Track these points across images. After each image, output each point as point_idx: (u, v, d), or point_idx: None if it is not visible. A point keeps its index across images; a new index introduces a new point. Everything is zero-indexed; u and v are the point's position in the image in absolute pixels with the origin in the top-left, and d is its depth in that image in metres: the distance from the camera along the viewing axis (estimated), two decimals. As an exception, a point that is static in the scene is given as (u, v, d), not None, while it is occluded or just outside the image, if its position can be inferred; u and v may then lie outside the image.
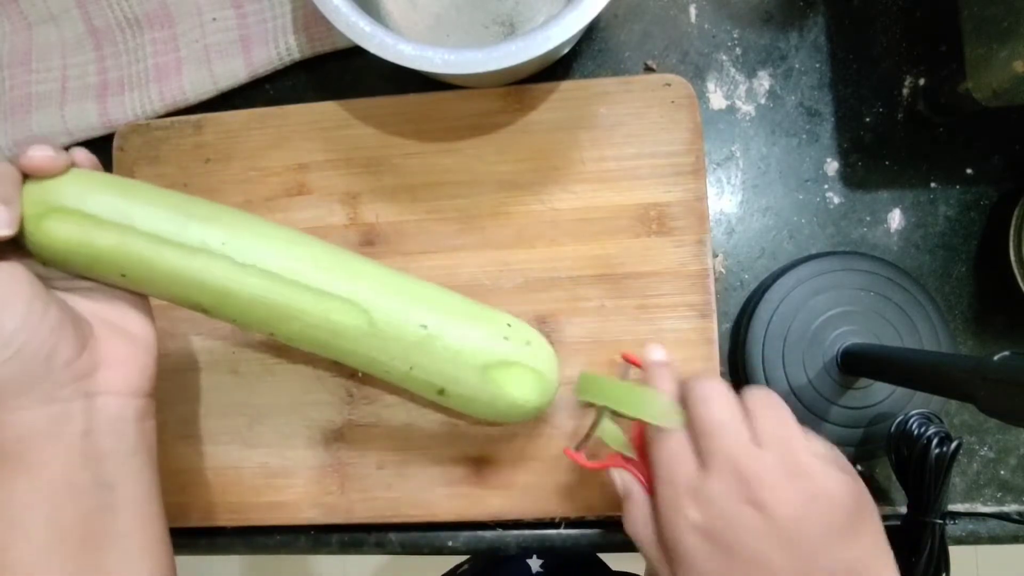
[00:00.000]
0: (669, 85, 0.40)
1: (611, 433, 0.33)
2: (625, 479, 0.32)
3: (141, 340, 0.32)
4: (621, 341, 0.40)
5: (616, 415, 0.33)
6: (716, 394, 0.29)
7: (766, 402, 0.29)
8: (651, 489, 0.30)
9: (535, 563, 0.57)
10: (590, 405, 0.35)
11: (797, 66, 0.43)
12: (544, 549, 0.42)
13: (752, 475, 0.26)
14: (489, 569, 0.59)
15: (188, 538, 0.43)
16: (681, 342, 0.39)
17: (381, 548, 0.42)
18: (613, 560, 0.61)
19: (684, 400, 0.30)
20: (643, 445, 0.32)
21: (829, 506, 0.26)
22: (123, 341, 0.31)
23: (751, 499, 0.26)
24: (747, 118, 0.43)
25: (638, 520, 0.30)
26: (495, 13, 0.43)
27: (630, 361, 0.36)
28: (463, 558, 0.64)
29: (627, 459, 0.33)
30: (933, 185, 0.42)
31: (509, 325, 0.35)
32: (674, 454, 0.29)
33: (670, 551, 0.28)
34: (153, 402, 0.32)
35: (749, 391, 0.30)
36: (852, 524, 0.27)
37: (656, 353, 0.34)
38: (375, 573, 1.26)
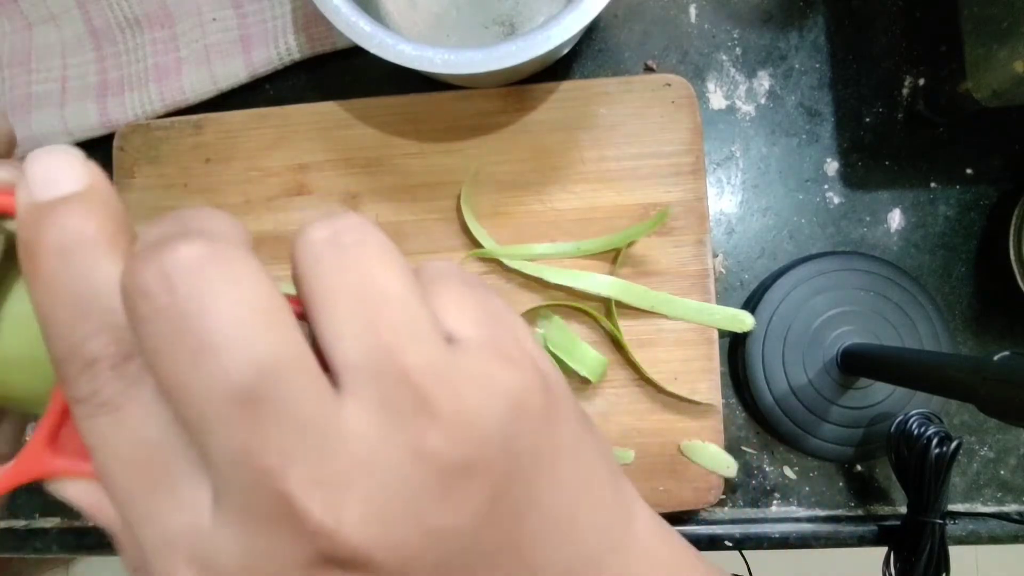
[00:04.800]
0: (669, 85, 0.40)
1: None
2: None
3: None
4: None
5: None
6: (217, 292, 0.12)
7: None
8: None
9: None
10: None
11: (797, 66, 0.43)
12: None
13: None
14: None
15: (188, 538, 0.43)
16: (681, 342, 0.39)
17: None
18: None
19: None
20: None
21: (481, 479, 0.13)
22: None
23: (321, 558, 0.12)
24: (747, 118, 0.43)
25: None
26: (495, 13, 0.43)
27: None
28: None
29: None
30: (933, 185, 0.42)
31: None
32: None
33: None
34: None
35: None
36: (516, 488, 0.13)
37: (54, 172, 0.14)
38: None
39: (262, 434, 0.11)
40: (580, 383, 0.40)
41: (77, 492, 0.14)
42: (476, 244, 0.40)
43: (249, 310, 0.11)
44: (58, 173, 0.13)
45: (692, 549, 0.17)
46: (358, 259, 0.13)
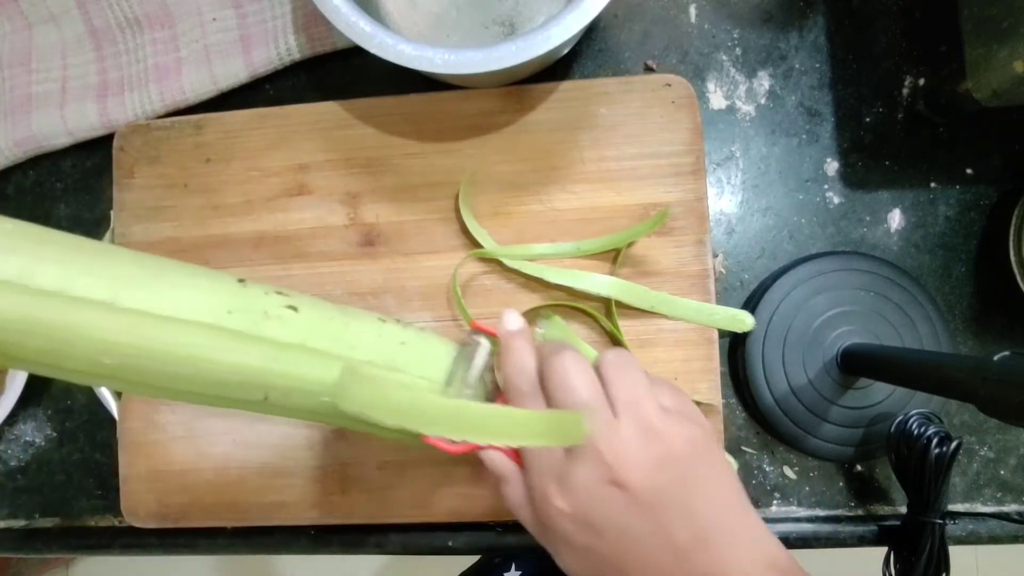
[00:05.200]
0: (669, 85, 0.40)
1: None
2: (496, 460, 0.30)
3: None
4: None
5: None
6: (575, 370, 0.28)
7: (619, 364, 0.29)
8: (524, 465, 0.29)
9: (513, 574, 0.57)
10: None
11: (797, 66, 0.43)
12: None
13: (613, 455, 0.26)
14: None
15: (188, 538, 0.44)
16: (681, 342, 0.39)
17: (381, 548, 0.42)
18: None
19: (541, 376, 0.29)
20: None
21: (675, 463, 0.27)
22: None
23: (613, 480, 0.26)
24: (747, 118, 0.43)
25: (518, 501, 0.30)
26: (495, 13, 0.43)
27: (482, 330, 0.32)
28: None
29: None
30: (933, 185, 0.42)
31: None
32: None
33: (547, 531, 0.29)
34: None
35: (603, 355, 0.29)
36: (693, 473, 0.27)
37: (512, 322, 0.32)
38: (376, 573, 1.26)
39: (590, 426, 0.27)
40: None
41: (494, 454, 0.30)
42: (476, 244, 0.40)
43: (584, 380, 0.28)
44: (513, 318, 0.32)
45: (788, 553, 0.28)
46: (626, 369, 0.29)
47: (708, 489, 0.27)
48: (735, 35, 0.43)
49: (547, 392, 0.28)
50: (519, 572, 0.57)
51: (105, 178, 0.45)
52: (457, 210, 0.41)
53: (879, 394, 0.39)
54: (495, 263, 0.41)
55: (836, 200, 0.43)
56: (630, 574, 0.27)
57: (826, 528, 0.41)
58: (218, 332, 0.26)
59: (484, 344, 0.31)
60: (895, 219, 0.42)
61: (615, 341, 0.40)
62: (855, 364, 0.38)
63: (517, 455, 0.30)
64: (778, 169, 0.43)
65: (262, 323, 0.27)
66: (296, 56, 0.43)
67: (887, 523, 0.41)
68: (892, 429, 0.37)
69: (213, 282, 0.27)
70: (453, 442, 0.28)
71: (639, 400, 0.28)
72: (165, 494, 0.41)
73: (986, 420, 0.42)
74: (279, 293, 0.29)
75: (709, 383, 0.39)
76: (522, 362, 0.30)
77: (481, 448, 0.29)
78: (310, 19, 0.43)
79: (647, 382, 0.28)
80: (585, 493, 0.27)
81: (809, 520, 0.41)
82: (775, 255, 0.43)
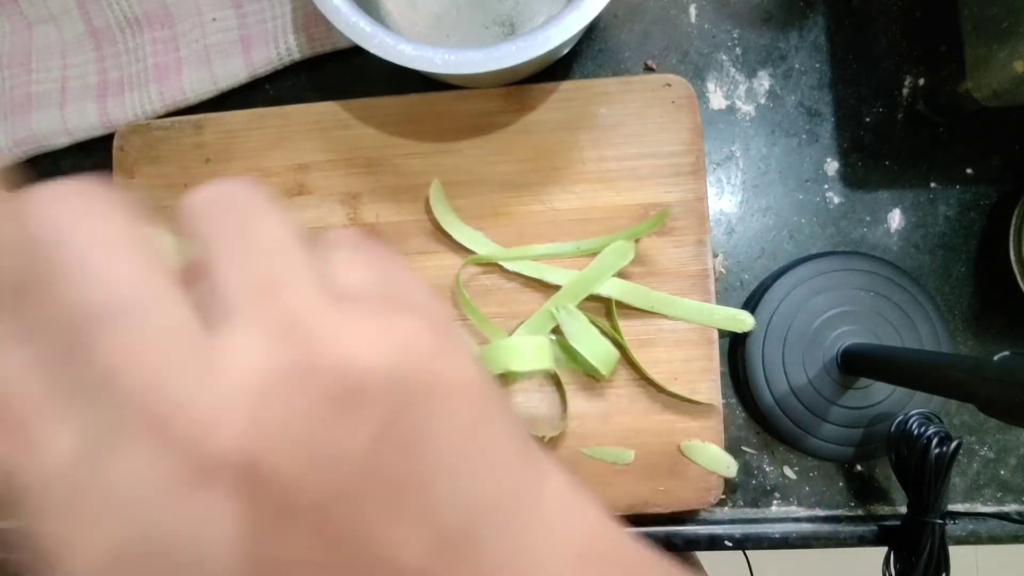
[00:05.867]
0: (669, 85, 0.40)
1: None
2: None
3: None
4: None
5: None
6: (89, 211, 0.12)
7: (227, 207, 0.14)
8: None
9: None
10: None
11: (797, 66, 0.43)
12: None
13: (193, 420, 0.12)
14: None
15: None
16: (681, 342, 0.39)
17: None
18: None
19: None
20: None
21: (365, 407, 0.12)
22: None
23: (199, 473, 0.12)
24: (747, 118, 0.43)
25: None
26: (495, 13, 0.43)
27: None
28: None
29: None
30: (933, 185, 0.42)
31: None
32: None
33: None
34: None
35: (193, 195, 0.15)
36: (415, 417, 0.13)
37: None
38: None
39: (124, 354, 0.11)
40: (589, 379, 0.40)
41: None
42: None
43: (106, 246, 0.12)
44: None
45: (612, 524, 0.17)
46: (245, 210, 0.13)
47: (454, 444, 0.14)
48: (735, 35, 0.43)
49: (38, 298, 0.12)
50: None
51: (105, 178, 0.45)
52: (458, 209, 0.41)
53: (879, 394, 0.39)
54: (494, 263, 0.41)
55: (836, 200, 0.43)
56: None
57: (826, 528, 0.41)
58: None
59: None
60: (895, 219, 0.42)
61: (615, 342, 0.40)
62: (855, 364, 0.38)
63: None
64: (778, 169, 0.43)
65: None
66: (296, 56, 0.43)
67: (887, 523, 0.41)
68: (892, 429, 0.37)
69: None
70: None
71: (276, 279, 0.13)
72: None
73: (986, 420, 0.42)
74: None
75: (709, 383, 0.39)
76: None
77: None
78: (310, 19, 0.43)
79: (294, 238, 0.13)
80: (135, 528, 0.11)
81: (809, 520, 0.41)
82: (775, 255, 0.43)
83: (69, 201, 0.12)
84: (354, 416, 0.12)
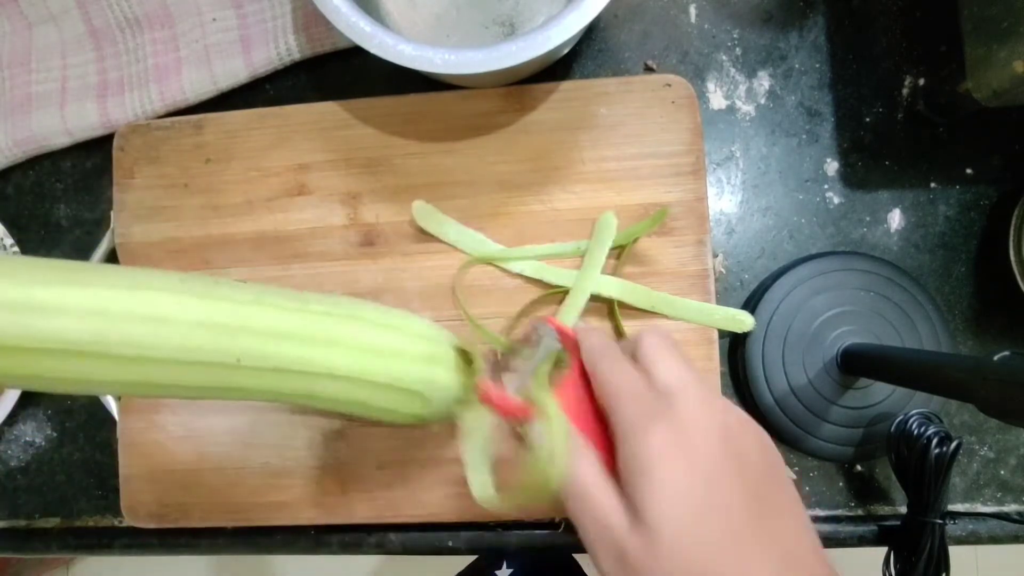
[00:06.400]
0: (669, 85, 0.40)
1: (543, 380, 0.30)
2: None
3: None
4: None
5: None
6: (663, 350, 0.27)
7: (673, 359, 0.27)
8: (601, 445, 0.26)
9: (504, 572, 0.57)
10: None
11: (797, 66, 0.43)
12: (545, 548, 0.42)
13: (719, 426, 0.24)
14: None
15: (188, 538, 0.43)
16: (681, 342, 0.39)
17: (381, 548, 0.42)
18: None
19: (635, 356, 0.27)
20: (578, 395, 0.28)
21: (750, 475, 0.24)
22: None
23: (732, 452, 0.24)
24: (747, 118, 0.43)
25: (589, 476, 0.24)
26: (495, 13, 0.43)
27: (551, 325, 0.32)
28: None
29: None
30: (933, 185, 0.42)
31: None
32: (627, 383, 0.26)
33: (637, 492, 0.23)
34: None
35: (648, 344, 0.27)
36: (770, 492, 0.24)
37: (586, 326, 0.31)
38: (375, 573, 1.26)
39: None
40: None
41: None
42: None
43: (671, 362, 0.27)
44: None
45: None
46: (668, 354, 0.27)
47: (787, 519, 0.23)
48: (735, 35, 0.43)
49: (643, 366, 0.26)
50: (510, 570, 0.57)
51: (105, 178, 0.45)
52: (458, 209, 0.41)
53: (879, 394, 0.39)
54: (495, 263, 0.41)
55: (836, 200, 0.43)
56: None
57: (826, 528, 0.41)
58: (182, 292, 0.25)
59: (551, 333, 0.32)
60: (895, 219, 0.42)
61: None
62: (855, 364, 0.38)
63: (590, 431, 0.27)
64: (778, 169, 0.43)
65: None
66: (296, 56, 0.43)
67: (887, 523, 0.41)
68: (892, 429, 0.37)
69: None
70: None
71: (712, 400, 0.25)
72: (165, 494, 0.41)
73: (986, 420, 0.42)
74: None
75: (709, 383, 0.39)
76: (615, 355, 0.27)
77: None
78: (310, 19, 0.43)
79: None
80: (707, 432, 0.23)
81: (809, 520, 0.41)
82: (775, 255, 0.43)
83: (666, 349, 0.27)
84: (747, 480, 0.23)
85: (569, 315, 0.39)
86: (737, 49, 0.43)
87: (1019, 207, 0.39)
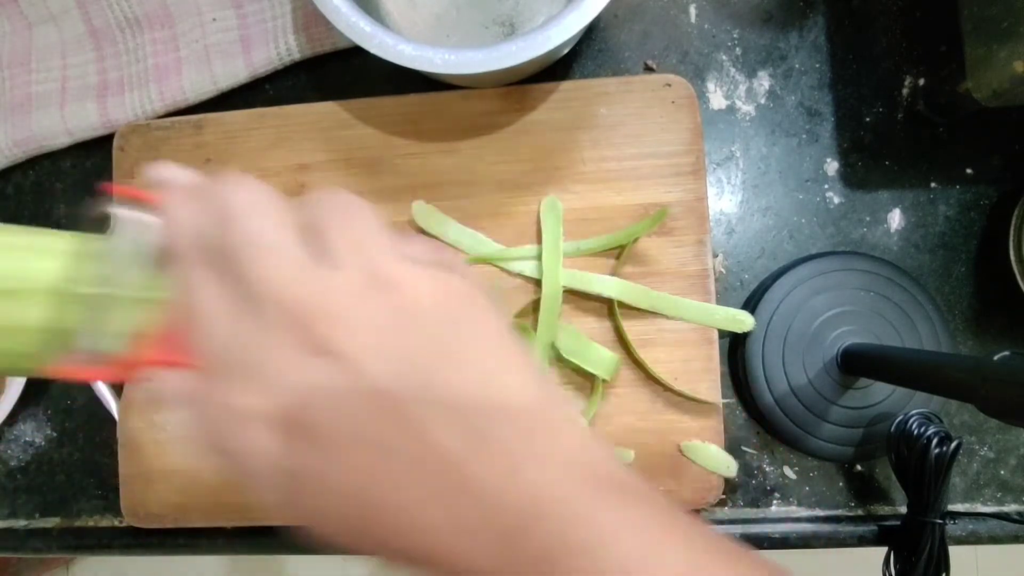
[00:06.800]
0: (669, 85, 0.40)
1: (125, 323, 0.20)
2: (172, 381, 0.20)
3: None
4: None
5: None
6: (252, 200, 0.19)
7: (334, 205, 0.20)
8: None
9: None
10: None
11: (797, 66, 0.43)
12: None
13: (314, 310, 0.18)
14: None
15: (188, 538, 0.43)
16: (681, 342, 0.39)
17: (381, 548, 0.42)
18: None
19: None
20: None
21: (418, 322, 0.18)
22: None
23: (317, 346, 0.18)
24: (747, 118, 0.43)
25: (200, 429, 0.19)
26: (495, 13, 0.43)
27: (127, 195, 0.21)
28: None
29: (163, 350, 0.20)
30: (933, 185, 0.42)
31: None
32: (205, 316, 0.19)
33: (242, 466, 0.19)
34: None
35: (309, 197, 0.21)
36: (450, 336, 0.19)
37: (166, 171, 0.22)
38: (375, 572, 1.27)
39: (267, 271, 0.18)
40: (586, 382, 0.40)
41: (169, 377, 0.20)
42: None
43: (270, 219, 0.19)
44: (164, 167, 0.22)
45: (616, 461, 0.20)
46: (350, 201, 0.20)
47: (478, 359, 0.19)
48: (735, 35, 0.43)
49: (223, 248, 0.19)
50: None
51: (105, 178, 0.45)
52: (458, 209, 0.41)
53: (879, 394, 0.39)
54: (494, 263, 0.41)
55: (836, 200, 0.43)
56: (383, 516, 0.18)
57: (826, 528, 0.41)
58: None
59: (128, 216, 0.20)
60: (895, 219, 0.42)
61: (621, 341, 0.40)
62: (855, 364, 0.38)
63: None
64: (778, 169, 0.43)
65: None
66: (296, 56, 0.43)
67: (887, 523, 0.41)
68: (892, 429, 0.37)
69: None
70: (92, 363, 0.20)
71: (365, 243, 0.19)
72: (165, 494, 0.41)
73: (986, 420, 0.42)
74: None
75: (709, 383, 0.39)
76: (181, 216, 0.20)
77: (148, 366, 0.20)
78: (310, 19, 0.43)
79: (380, 226, 0.20)
80: (282, 377, 0.18)
81: (809, 520, 0.41)
82: (775, 255, 0.43)
83: (245, 188, 0.19)
84: (413, 330, 0.18)
85: (549, 307, 0.39)
86: (737, 49, 0.43)
87: (1019, 207, 0.39)
